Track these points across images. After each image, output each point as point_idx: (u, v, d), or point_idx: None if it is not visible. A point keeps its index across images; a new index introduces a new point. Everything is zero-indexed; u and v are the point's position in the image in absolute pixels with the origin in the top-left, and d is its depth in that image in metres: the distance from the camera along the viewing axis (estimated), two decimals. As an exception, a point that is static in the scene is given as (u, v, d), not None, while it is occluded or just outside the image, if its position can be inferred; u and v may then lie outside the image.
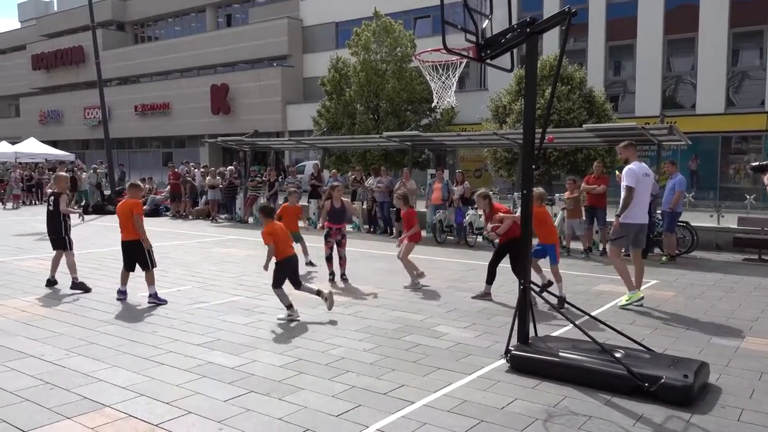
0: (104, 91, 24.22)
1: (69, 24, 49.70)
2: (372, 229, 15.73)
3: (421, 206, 15.75)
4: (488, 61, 5.63)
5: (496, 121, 23.33)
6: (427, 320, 6.76)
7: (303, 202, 17.87)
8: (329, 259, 9.03)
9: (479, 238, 13.28)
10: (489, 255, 8.09)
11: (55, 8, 57.23)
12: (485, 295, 7.78)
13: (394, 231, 15.00)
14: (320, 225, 9.27)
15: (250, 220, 18.04)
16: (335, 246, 9.00)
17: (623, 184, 7.39)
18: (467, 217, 13.12)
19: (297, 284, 6.86)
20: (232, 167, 19.73)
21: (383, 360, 5.36)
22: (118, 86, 46.52)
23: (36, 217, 18.90)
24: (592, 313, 6.28)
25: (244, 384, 4.74)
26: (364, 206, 16.00)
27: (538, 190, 7.19)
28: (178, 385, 4.69)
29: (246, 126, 34.56)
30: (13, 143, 29.95)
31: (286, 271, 6.76)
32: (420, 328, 6.41)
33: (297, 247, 7.74)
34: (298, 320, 6.65)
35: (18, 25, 60.51)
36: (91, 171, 23.51)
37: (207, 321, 6.61)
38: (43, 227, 8.86)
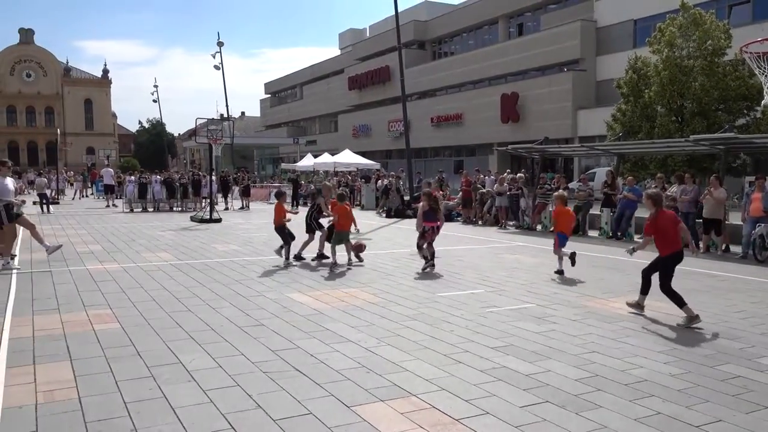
0: (406, 105, 26.47)
1: (378, 47, 55.66)
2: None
3: (735, 218, 13.89)
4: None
5: (840, 118, 19.29)
6: (748, 350, 5.88)
7: (595, 210, 17.18)
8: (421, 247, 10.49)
9: None
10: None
11: (368, 34, 64.65)
12: (637, 306, 7.32)
13: (701, 246, 13.43)
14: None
15: (539, 227, 17.91)
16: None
17: None
18: (758, 228, 11.59)
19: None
20: (521, 174, 19.84)
21: (693, 388, 4.82)
22: (417, 100, 50.46)
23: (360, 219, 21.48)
24: None
25: (539, 393, 4.71)
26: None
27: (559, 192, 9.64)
28: (475, 385, 4.87)
29: (535, 133, 34.46)
30: (332, 155, 34.64)
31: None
32: (739, 358, 5.61)
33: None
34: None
35: (338, 52, 69.90)
36: (392, 178, 25.90)
37: (499, 325, 6.75)
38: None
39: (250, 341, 6.08)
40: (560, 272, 10.00)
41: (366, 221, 20.92)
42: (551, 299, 8.12)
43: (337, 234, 11.08)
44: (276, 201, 11.78)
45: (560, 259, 10.12)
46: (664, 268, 6.95)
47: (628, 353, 5.75)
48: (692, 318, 6.70)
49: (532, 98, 38.37)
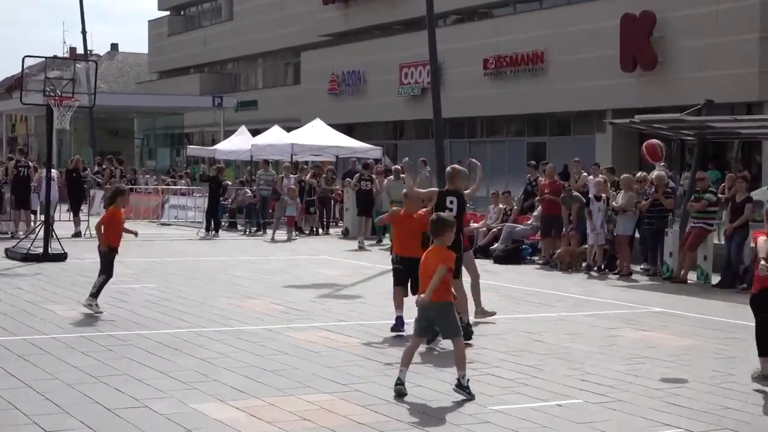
0: (435, 35, 26.56)
1: None
2: None
3: None
4: None
5: None
6: None
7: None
8: None
9: None
10: None
11: None
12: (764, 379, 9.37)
13: None
14: None
15: (692, 275, 17.87)
16: None
17: None
18: None
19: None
20: (662, 171, 19.83)
21: None
22: (455, 25, 50.68)
23: (334, 259, 21.38)
24: None
25: None
26: None
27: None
28: None
29: (686, 92, 34.58)
30: (288, 130, 34.59)
31: None
32: None
33: None
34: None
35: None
36: (367, 170, 26.15)
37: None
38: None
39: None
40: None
41: (352, 261, 20.87)
42: (716, 420, 8.12)
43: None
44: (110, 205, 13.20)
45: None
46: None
47: None
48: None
49: (681, 24, 38.48)
